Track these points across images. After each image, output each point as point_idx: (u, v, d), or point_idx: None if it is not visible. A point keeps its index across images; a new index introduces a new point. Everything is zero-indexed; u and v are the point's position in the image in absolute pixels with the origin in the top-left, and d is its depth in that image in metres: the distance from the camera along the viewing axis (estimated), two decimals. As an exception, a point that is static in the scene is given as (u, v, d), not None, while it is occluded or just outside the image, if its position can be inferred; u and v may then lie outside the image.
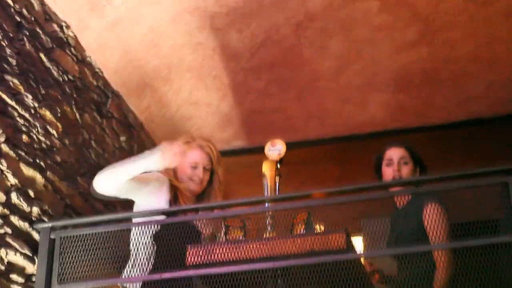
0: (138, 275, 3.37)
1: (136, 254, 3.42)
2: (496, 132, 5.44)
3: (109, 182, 3.48)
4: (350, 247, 3.14)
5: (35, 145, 3.64)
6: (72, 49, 4.29)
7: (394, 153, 3.77)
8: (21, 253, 3.33)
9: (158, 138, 5.34)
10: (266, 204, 3.39)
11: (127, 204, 3.72)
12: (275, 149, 3.49)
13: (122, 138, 4.82)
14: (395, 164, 3.73)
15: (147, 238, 3.42)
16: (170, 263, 3.28)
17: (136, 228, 3.45)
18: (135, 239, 3.46)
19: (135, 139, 5.06)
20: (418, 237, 3.40)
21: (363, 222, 4.48)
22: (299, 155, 5.38)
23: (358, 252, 3.41)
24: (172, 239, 3.34)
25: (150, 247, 3.40)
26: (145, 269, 3.38)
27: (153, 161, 3.46)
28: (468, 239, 3.03)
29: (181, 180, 3.70)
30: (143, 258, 3.40)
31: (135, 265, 3.41)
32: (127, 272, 3.43)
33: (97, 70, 4.59)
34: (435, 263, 3.29)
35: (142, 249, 3.40)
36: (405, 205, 3.69)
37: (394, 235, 3.60)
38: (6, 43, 3.54)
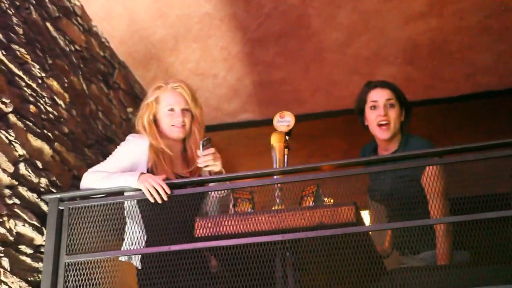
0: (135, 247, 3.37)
1: (131, 227, 3.42)
2: (505, 104, 5.41)
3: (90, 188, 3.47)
4: (359, 220, 3.13)
5: (43, 116, 3.62)
6: (79, 18, 4.25)
7: (379, 95, 3.52)
8: (30, 224, 3.32)
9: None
10: (275, 177, 3.38)
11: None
12: (284, 121, 3.46)
13: (129, 110, 4.80)
14: (381, 108, 3.49)
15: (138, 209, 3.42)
16: (175, 235, 3.28)
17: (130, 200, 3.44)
18: (129, 211, 3.45)
19: (142, 110, 5.04)
20: (413, 191, 3.27)
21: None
22: (306, 128, 5.36)
23: (367, 225, 3.42)
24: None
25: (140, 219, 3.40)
26: (142, 242, 3.38)
27: (129, 184, 3.35)
28: (479, 213, 3.02)
29: (164, 131, 3.57)
30: (138, 231, 3.40)
31: (131, 238, 3.40)
32: (125, 245, 3.42)
33: (103, 40, 4.56)
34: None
35: (137, 221, 3.40)
36: (395, 150, 3.50)
37: (384, 184, 3.44)
38: (13, 11, 3.51)
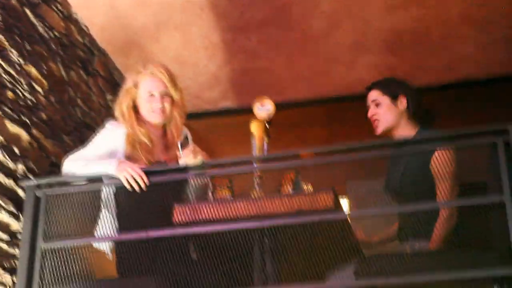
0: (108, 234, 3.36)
1: (105, 215, 3.40)
2: (486, 94, 5.43)
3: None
4: (337, 207, 3.13)
5: (20, 102, 3.59)
6: (58, 5, 4.21)
7: (368, 98, 3.67)
8: (6, 210, 3.30)
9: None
10: (254, 164, 3.37)
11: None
12: (264, 108, 3.45)
13: (109, 97, 4.77)
14: (370, 110, 3.64)
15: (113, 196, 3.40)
16: (150, 221, 3.27)
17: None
18: (105, 200, 3.43)
19: (122, 98, 5.00)
20: (423, 176, 3.30)
21: (349, 184, 4.49)
22: (287, 116, 5.34)
23: (345, 212, 3.41)
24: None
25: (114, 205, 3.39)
26: (114, 227, 3.37)
27: (108, 171, 3.33)
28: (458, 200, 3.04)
29: (144, 117, 3.54)
30: (112, 219, 3.38)
31: (106, 224, 3.39)
32: (98, 231, 3.40)
33: (83, 27, 4.53)
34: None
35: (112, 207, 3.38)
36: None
37: (396, 174, 3.46)
38: (-10, -3, 3.48)
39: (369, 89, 3.68)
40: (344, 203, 3.69)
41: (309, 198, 3.12)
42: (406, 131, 3.54)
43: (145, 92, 3.53)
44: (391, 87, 3.62)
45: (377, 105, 3.59)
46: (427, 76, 5.28)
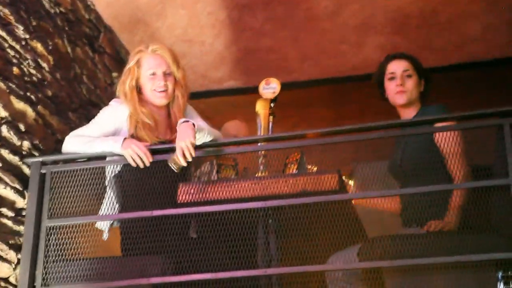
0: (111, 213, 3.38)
1: (110, 195, 3.41)
2: (494, 75, 5.40)
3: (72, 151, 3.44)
4: (342, 188, 3.13)
5: (26, 78, 3.58)
6: (65, -20, 4.19)
7: (397, 66, 3.57)
8: (11, 187, 3.30)
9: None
10: (259, 144, 3.36)
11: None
12: (270, 87, 3.44)
13: (114, 74, 4.75)
14: (398, 78, 3.54)
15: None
16: (155, 201, 3.28)
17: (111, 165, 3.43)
18: (110, 180, 3.43)
19: (128, 75, 4.99)
20: (427, 153, 3.30)
21: (355, 166, 4.47)
22: (293, 96, 5.33)
23: (350, 193, 3.42)
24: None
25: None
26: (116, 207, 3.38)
27: (113, 149, 3.34)
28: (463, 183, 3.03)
29: (147, 97, 3.53)
30: (114, 196, 3.39)
31: (109, 203, 3.40)
32: (102, 211, 3.41)
33: (89, 3, 4.50)
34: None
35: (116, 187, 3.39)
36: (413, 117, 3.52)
37: (399, 152, 3.46)
38: (-4, -28, 3.46)
39: (396, 57, 3.62)
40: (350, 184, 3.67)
41: (314, 179, 3.11)
42: (412, 111, 3.53)
43: (148, 70, 3.51)
44: (420, 66, 3.62)
45: (409, 76, 3.55)
46: (434, 56, 5.25)
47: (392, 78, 3.56)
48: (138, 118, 3.46)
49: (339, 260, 3.13)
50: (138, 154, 3.28)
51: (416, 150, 3.36)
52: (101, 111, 3.57)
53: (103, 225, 3.42)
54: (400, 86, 3.52)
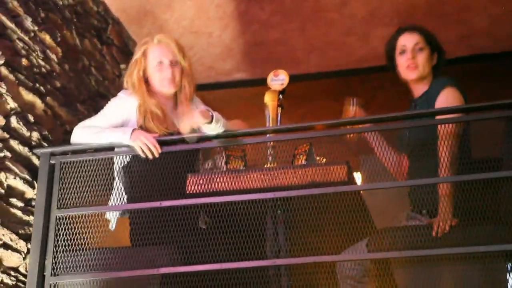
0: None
1: (119, 186, 3.42)
2: (499, 67, 5.39)
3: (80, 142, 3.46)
4: (351, 179, 3.14)
5: (35, 69, 3.59)
6: (72, -28, 4.20)
7: (408, 39, 3.48)
8: (21, 177, 3.32)
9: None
10: (268, 135, 3.37)
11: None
12: (278, 79, 3.45)
13: (122, 66, 4.76)
14: (409, 52, 3.45)
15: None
16: (165, 191, 3.29)
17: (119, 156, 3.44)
18: (118, 171, 3.44)
19: (135, 67, 5.00)
20: (433, 132, 3.24)
21: (363, 158, 4.47)
22: (300, 88, 5.33)
23: (358, 184, 3.42)
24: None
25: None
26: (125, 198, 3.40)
27: (122, 140, 3.35)
28: (472, 174, 3.03)
29: (155, 87, 3.55)
30: (122, 187, 3.40)
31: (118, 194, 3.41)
32: (112, 200, 3.43)
33: (97, -5, 4.52)
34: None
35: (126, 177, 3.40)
36: (422, 94, 3.46)
37: (406, 130, 3.43)
38: (6, -36, 3.46)
39: (407, 30, 3.54)
40: (358, 177, 3.68)
41: (323, 170, 3.12)
42: (424, 85, 3.47)
43: (154, 60, 3.53)
44: (433, 40, 3.53)
45: (421, 49, 3.47)
46: (442, 49, 5.25)
47: (403, 52, 3.48)
48: (147, 108, 3.47)
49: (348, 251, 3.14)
50: (147, 145, 3.29)
51: (422, 129, 3.33)
52: (109, 102, 3.58)
53: (111, 216, 3.43)
54: (411, 60, 3.44)
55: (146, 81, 3.57)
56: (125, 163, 3.42)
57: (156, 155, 3.30)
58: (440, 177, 3.12)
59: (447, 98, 3.30)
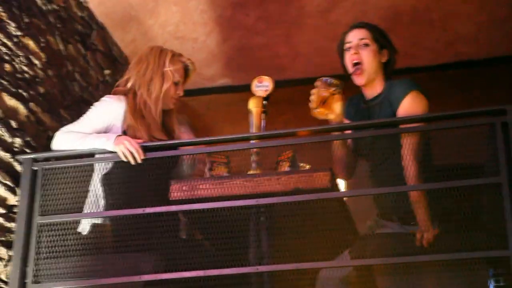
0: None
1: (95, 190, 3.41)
2: (485, 74, 5.41)
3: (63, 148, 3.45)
4: (334, 186, 3.13)
5: (18, 75, 3.57)
6: (57, -22, 4.18)
7: (353, 35, 3.41)
8: (3, 184, 3.30)
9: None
10: (251, 141, 3.36)
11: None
12: (262, 85, 3.44)
13: (107, 72, 4.75)
14: (353, 47, 3.38)
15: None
16: (148, 198, 3.28)
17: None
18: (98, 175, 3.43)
19: (120, 73, 4.98)
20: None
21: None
22: (285, 94, 5.32)
23: (342, 191, 3.42)
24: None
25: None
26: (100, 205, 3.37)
27: (105, 146, 3.34)
28: (454, 181, 3.03)
29: (162, 98, 3.55)
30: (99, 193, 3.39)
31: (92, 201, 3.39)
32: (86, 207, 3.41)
33: (81, 0, 4.49)
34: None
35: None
36: (378, 94, 3.39)
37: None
38: (-12, -31, 3.45)
39: (355, 27, 3.46)
40: (341, 183, 3.67)
41: (306, 176, 3.12)
42: (377, 86, 3.40)
43: (176, 77, 3.58)
44: (381, 36, 3.45)
45: (366, 45, 3.39)
46: (427, 55, 5.28)
47: (348, 49, 3.43)
48: (149, 114, 3.51)
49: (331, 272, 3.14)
50: (130, 150, 3.28)
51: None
52: (93, 107, 3.55)
53: (85, 222, 3.39)
54: (354, 55, 3.37)
55: None
56: (107, 170, 3.40)
57: (139, 161, 3.29)
58: (418, 184, 3.12)
59: (413, 104, 3.25)
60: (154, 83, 3.54)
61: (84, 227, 3.35)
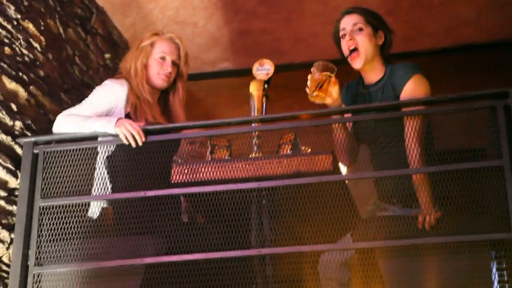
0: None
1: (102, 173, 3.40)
2: (486, 57, 5.40)
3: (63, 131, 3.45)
4: (336, 169, 3.13)
5: (18, 58, 3.56)
6: (56, -40, 4.16)
7: (346, 22, 3.42)
8: (4, 167, 3.29)
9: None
10: (253, 125, 3.36)
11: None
12: (263, 69, 3.43)
13: (107, 56, 4.73)
14: (348, 33, 3.38)
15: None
16: (150, 181, 3.27)
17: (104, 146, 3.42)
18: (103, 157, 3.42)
19: (120, 57, 4.97)
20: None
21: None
22: (286, 79, 5.30)
23: (343, 174, 3.41)
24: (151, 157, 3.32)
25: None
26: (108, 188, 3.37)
27: (106, 129, 3.34)
28: (456, 164, 3.03)
29: (149, 77, 3.59)
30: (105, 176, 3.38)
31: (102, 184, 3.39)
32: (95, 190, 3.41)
33: (81, -16, 4.48)
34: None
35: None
36: (380, 79, 3.39)
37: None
38: (-12, -49, 3.43)
39: (348, 12, 3.46)
40: (343, 167, 3.66)
41: (308, 159, 3.11)
42: (377, 70, 3.41)
43: (159, 53, 3.61)
44: (374, 19, 3.44)
45: (360, 30, 3.38)
46: (428, 39, 5.26)
47: (343, 36, 3.43)
48: (140, 94, 3.52)
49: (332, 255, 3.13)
50: (131, 132, 3.27)
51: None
52: (94, 90, 3.56)
53: (95, 205, 3.40)
54: (350, 41, 3.37)
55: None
56: (110, 152, 3.39)
57: (140, 143, 3.28)
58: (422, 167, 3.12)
59: (416, 87, 3.25)
60: (136, 61, 3.59)
61: (94, 210, 3.35)
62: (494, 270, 2.94)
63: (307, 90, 3.32)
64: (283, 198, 3.18)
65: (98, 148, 3.42)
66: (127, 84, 3.54)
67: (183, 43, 3.68)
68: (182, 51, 3.66)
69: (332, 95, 3.28)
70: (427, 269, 3.01)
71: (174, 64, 3.63)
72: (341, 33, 3.45)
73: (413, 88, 3.25)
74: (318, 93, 3.30)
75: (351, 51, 3.38)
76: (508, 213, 2.90)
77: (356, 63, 3.39)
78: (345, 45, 3.41)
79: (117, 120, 3.32)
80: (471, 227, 2.92)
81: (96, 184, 3.40)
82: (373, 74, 3.42)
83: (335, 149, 3.36)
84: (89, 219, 3.33)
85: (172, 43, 3.64)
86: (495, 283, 2.91)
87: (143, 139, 3.29)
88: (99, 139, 3.41)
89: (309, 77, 3.34)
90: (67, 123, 3.41)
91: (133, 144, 3.28)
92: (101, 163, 3.41)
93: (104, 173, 3.39)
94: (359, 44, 3.37)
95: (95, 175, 3.42)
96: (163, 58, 3.59)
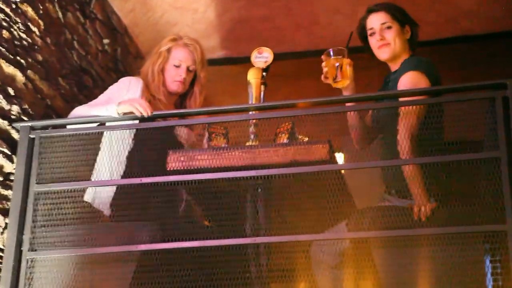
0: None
1: (105, 158, 3.40)
2: (486, 48, 5.38)
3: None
4: (332, 159, 3.12)
5: (16, 42, 3.54)
6: None
7: (374, 21, 3.48)
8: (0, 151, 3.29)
9: (142, 43, 5.24)
10: (250, 112, 3.35)
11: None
12: (262, 56, 3.43)
13: (106, 41, 4.72)
14: (378, 33, 3.45)
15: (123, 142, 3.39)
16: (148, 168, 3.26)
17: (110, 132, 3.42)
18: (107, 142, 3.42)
19: (119, 42, 4.96)
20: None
21: (346, 139, 4.45)
22: (285, 67, 5.30)
23: (340, 163, 3.41)
24: (151, 144, 3.32)
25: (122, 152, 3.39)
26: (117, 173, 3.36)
27: (110, 112, 3.36)
28: (452, 155, 3.02)
29: (165, 82, 3.67)
30: (116, 163, 3.38)
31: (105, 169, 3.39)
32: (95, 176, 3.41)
33: (80, -32, 4.45)
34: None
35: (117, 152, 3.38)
36: (396, 70, 3.45)
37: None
38: None
39: (373, 11, 3.52)
40: (340, 157, 3.66)
41: (305, 149, 3.11)
42: (399, 62, 3.44)
43: (175, 60, 3.69)
44: (400, 14, 3.51)
45: (389, 28, 3.45)
46: (428, 30, 5.18)
47: (372, 34, 3.49)
48: (157, 95, 3.62)
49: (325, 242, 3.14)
50: (136, 104, 3.32)
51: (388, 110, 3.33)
52: (109, 88, 3.64)
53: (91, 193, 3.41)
54: (380, 41, 3.44)
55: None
56: (130, 147, 3.41)
57: (149, 114, 3.31)
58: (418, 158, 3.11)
59: (406, 84, 3.27)
60: (153, 66, 3.69)
61: (90, 196, 3.36)
62: (487, 262, 2.94)
63: (326, 79, 3.41)
64: (279, 186, 3.18)
65: (104, 133, 3.42)
66: (143, 82, 3.62)
67: (200, 48, 3.75)
68: (198, 57, 3.72)
69: (350, 76, 3.39)
70: (421, 260, 3.00)
71: (190, 70, 3.70)
72: (369, 32, 3.51)
73: (402, 84, 3.29)
74: (341, 79, 3.39)
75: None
76: (503, 205, 2.89)
77: (384, 54, 3.47)
78: (376, 45, 3.48)
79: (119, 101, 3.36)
80: (466, 218, 2.91)
81: (98, 170, 3.40)
82: (395, 65, 3.47)
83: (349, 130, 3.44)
84: (87, 204, 3.33)
85: (188, 49, 3.71)
86: (488, 275, 2.90)
87: (150, 110, 3.32)
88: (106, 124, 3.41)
89: (323, 64, 3.40)
90: (77, 111, 3.48)
91: (145, 114, 3.30)
92: (105, 151, 3.41)
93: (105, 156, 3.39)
94: (390, 41, 3.44)
95: (97, 160, 3.42)
96: (178, 65, 3.67)
